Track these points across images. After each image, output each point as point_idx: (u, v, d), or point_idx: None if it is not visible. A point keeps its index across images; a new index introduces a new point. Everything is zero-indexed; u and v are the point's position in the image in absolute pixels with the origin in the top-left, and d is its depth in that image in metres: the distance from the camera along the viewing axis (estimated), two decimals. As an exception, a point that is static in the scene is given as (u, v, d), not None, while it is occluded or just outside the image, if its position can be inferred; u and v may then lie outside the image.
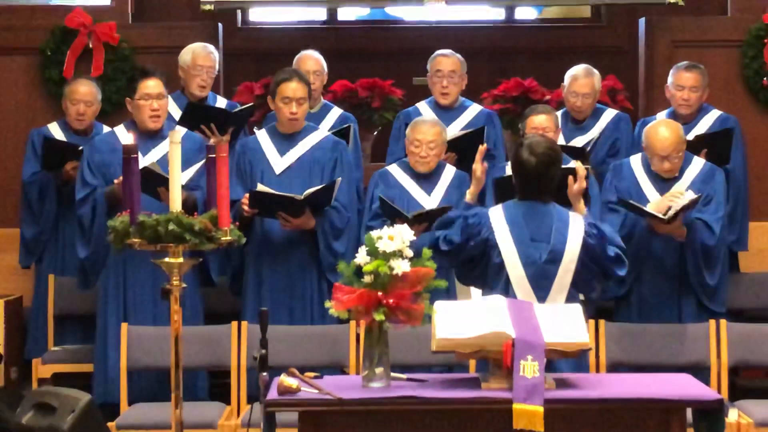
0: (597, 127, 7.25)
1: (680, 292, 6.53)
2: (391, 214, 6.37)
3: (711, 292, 6.51)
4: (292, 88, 6.57)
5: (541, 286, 5.11)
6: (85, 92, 7.39)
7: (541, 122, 6.58)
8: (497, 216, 5.17)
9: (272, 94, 6.64)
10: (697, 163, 6.60)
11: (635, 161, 6.64)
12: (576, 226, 5.14)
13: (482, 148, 5.98)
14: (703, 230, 6.41)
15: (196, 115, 7.05)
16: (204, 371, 6.67)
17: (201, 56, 7.39)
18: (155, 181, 6.14)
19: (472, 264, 5.19)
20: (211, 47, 7.49)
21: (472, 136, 6.98)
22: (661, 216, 6.25)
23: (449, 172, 6.73)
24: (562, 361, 5.02)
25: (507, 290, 5.07)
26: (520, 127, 6.76)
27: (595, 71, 7.39)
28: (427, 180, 6.68)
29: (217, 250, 5.13)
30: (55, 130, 7.46)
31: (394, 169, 6.76)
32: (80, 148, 7.03)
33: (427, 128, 6.59)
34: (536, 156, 5.10)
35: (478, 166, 5.96)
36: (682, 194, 6.33)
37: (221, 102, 7.57)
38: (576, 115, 7.36)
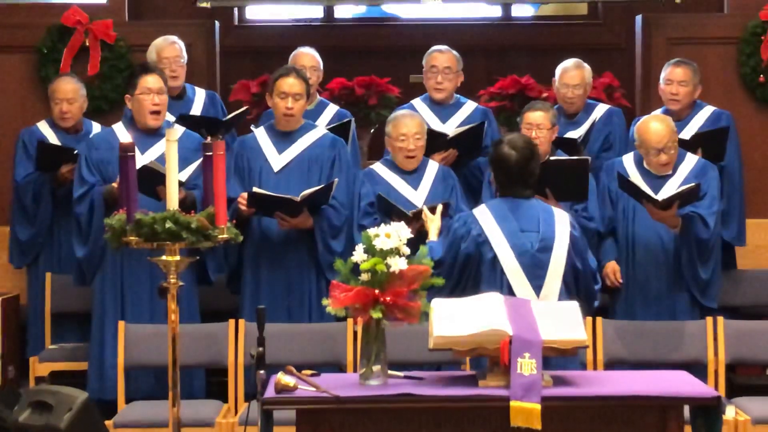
0: (589, 121, 7.24)
1: (673, 288, 6.55)
2: (389, 212, 6.35)
3: (703, 287, 6.53)
4: (289, 83, 6.59)
5: (536, 275, 5.14)
6: (66, 90, 7.28)
7: (535, 119, 6.61)
8: (483, 213, 5.24)
9: (270, 90, 6.66)
10: (691, 160, 6.63)
11: (628, 160, 6.67)
12: (561, 218, 5.23)
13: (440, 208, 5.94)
14: (697, 223, 6.43)
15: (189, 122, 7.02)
16: (201, 369, 6.67)
17: (164, 49, 7.36)
18: (154, 180, 6.12)
19: (468, 268, 5.20)
20: (173, 38, 7.44)
21: (473, 131, 6.99)
22: (655, 198, 6.28)
23: (432, 166, 6.75)
24: (560, 358, 5.02)
25: (502, 284, 5.10)
26: (518, 121, 6.77)
27: (585, 64, 7.38)
28: (413, 175, 6.69)
29: (215, 248, 5.13)
30: (45, 129, 7.38)
31: (379, 168, 6.76)
32: (75, 152, 6.90)
33: (408, 120, 6.61)
34: (516, 150, 5.18)
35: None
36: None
37: (200, 95, 7.54)
38: (567, 107, 7.33)
